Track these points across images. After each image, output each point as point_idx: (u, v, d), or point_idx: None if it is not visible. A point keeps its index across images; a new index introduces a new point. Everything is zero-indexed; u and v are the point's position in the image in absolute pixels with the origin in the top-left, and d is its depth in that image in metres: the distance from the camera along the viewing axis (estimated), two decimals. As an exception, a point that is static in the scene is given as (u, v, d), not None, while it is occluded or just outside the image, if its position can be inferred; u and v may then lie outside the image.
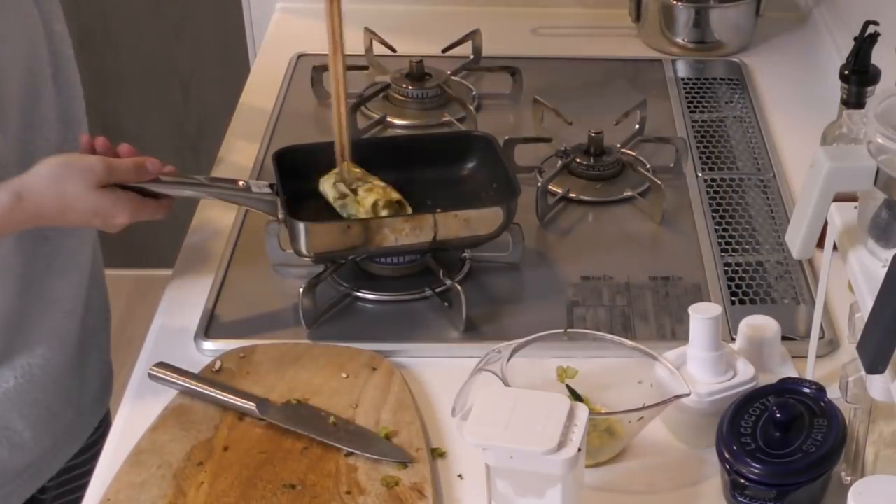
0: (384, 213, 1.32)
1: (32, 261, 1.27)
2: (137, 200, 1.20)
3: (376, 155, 1.44)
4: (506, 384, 1.08)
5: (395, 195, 1.34)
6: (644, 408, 1.08)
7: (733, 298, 1.33)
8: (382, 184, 1.36)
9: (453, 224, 1.30)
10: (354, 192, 1.34)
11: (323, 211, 1.36)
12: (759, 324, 1.18)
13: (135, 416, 1.18)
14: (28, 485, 1.32)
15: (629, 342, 1.15)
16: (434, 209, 1.35)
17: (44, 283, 1.29)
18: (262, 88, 1.79)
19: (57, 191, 1.15)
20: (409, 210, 1.34)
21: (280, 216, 1.30)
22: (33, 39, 1.25)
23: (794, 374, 1.16)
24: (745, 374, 1.12)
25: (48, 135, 1.27)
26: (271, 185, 1.32)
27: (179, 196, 1.26)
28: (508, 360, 1.11)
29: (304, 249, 1.29)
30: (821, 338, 1.24)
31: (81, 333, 1.36)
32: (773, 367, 1.18)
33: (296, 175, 1.36)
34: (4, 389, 1.26)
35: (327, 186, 1.37)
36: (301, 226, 1.27)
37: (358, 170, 1.38)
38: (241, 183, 1.31)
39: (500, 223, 1.31)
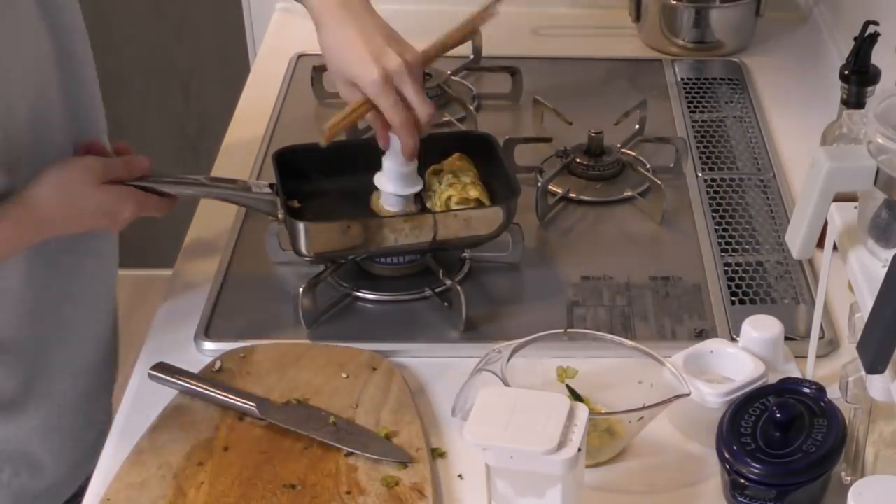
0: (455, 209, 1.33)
1: (47, 287, 1.26)
2: (141, 194, 1.21)
3: (376, 155, 1.44)
4: (506, 384, 1.08)
5: (474, 193, 1.34)
6: (644, 408, 1.08)
7: (733, 298, 1.33)
8: (470, 179, 1.36)
9: (453, 224, 1.30)
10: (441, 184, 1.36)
11: (323, 211, 1.36)
12: (763, 323, 1.18)
13: (135, 416, 1.18)
14: None
15: (629, 342, 1.15)
16: (434, 209, 1.35)
17: (62, 309, 1.28)
18: (262, 88, 1.79)
19: (62, 194, 1.15)
20: (487, 204, 1.34)
21: (280, 216, 1.30)
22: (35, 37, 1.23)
23: (797, 374, 1.15)
24: (755, 370, 1.12)
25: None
26: (271, 185, 1.32)
27: (179, 195, 1.26)
28: (508, 360, 1.11)
29: (303, 249, 1.29)
30: (821, 338, 1.24)
31: (107, 357, 1.35)
32: (777, 367, 1.17)
33: (296, 175, 1.36)
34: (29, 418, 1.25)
35: (428, 174, 1.38)
36: (301, 226, 1.27)
37: (460, 162, 1.38)
38: (240, 183, 1.31)
39: (500, 223, 1.31)
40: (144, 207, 1.21)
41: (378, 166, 1.37)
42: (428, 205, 1.36)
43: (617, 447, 1.12)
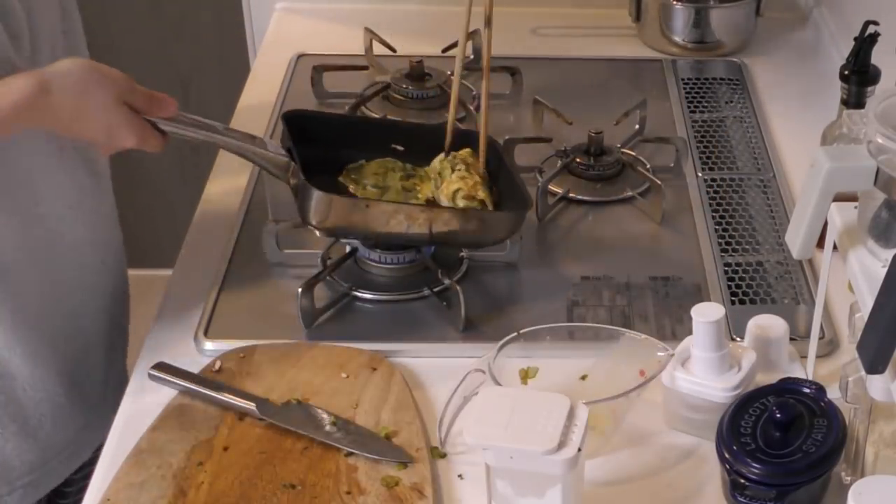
0: (461, 203, 1.32)
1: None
2: (147, 128, 1.17)
3: (389, 134, 1.44)
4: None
5: (482, 194, 1.34)
6: (630, 391, 1.08)
7: (733, 298, 1.33)
8: (479, 177, 1.36)
9: (467, 221, 1.29)
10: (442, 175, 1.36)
11: (332, 185, 1.35)
12: (768, 323, 1.18)
13: (135, 416, 1.18)
14: (64, 467, 1.32)
15: (584, 324, 1.17)
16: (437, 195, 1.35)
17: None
18: (262, 88, 1.79)
19: (81, 94, 1.11)
20: (490, 209, 1.34)
21: (292, 181, 1.27)
22: None
23: (802, 374, 1.15)
24: (748, 362, 1.12)
25: None
26: (288, 150, 1.30)
27: (191, 138, 1.23)
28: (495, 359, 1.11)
29: (312, 219, 1.26)
30: (821, 338, 1.24)
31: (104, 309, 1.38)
32: (782, 367, 1.17)
33: (303, 141, 1.35)
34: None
35: (435, 161, 1.38)
36: (316, 194, 1.25)
37: (472, 159, 1.38)
38: (258, 140, 1.29)
39: (511, 230, 1.31)
40: (145, 142, 1.16)
41: (388, 148, 1.37)
42: (432, 187, 1.35)
43: (599, 444, 1.12)
